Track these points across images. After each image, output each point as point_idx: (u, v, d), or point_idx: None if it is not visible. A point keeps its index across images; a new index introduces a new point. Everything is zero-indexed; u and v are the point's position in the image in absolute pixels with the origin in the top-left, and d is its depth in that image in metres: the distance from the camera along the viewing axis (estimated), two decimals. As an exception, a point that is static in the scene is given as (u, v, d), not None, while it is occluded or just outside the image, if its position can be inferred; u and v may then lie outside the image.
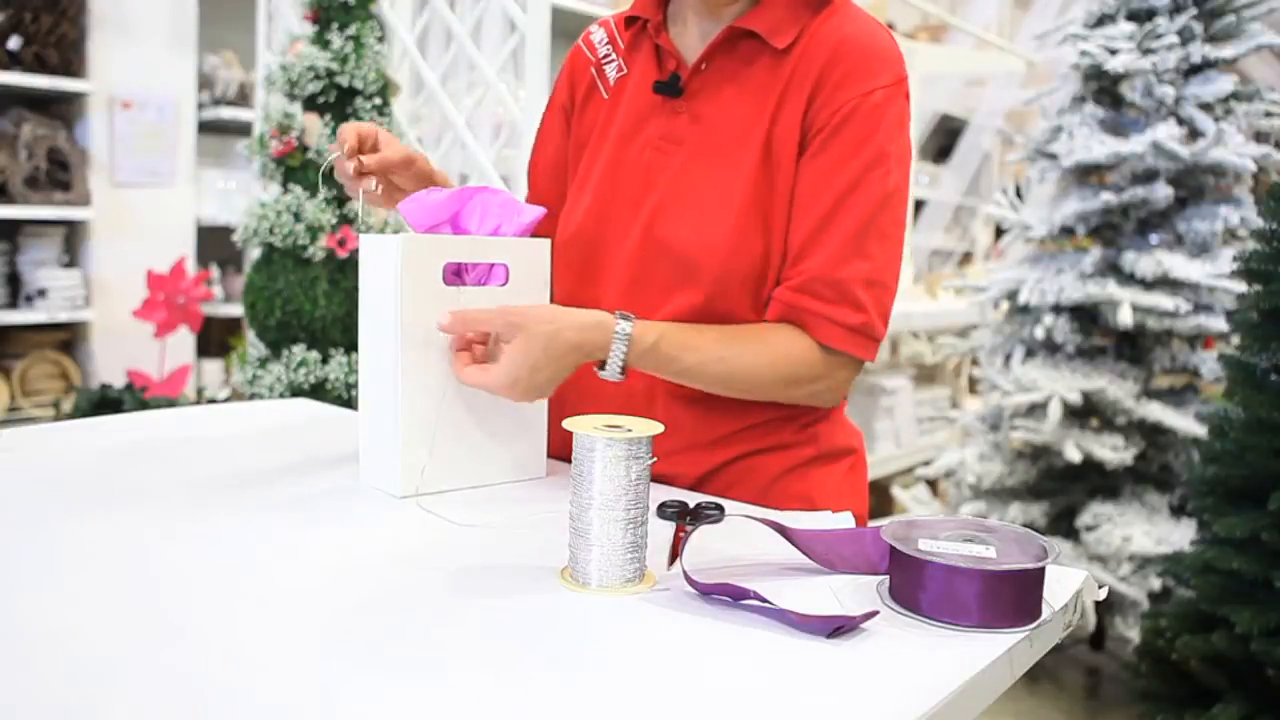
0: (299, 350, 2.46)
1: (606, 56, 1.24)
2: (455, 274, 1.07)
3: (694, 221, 1.12)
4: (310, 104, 2.52)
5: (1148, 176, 2.75)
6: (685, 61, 1.17)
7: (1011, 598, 0.80)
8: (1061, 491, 2.88)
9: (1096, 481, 2.83)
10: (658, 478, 1.15)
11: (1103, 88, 2.87)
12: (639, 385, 1.13)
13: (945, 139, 6.30)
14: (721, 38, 1.13)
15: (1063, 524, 2.84)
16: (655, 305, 1.13)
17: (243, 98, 4.12)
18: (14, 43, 3.40)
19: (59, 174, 3.58)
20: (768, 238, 1.11)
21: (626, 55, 1.22)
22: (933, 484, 3.71)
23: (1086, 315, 2.83)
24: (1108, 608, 2.72)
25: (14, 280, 3.66)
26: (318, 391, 2.44)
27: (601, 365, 1.04)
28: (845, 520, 1.10)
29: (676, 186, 1.14)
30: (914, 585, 0.81)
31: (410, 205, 1.06)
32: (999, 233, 5.08)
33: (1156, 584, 2.59)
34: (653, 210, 1.14)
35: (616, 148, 1.18)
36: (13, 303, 3.64)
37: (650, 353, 1.04)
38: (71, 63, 3.57)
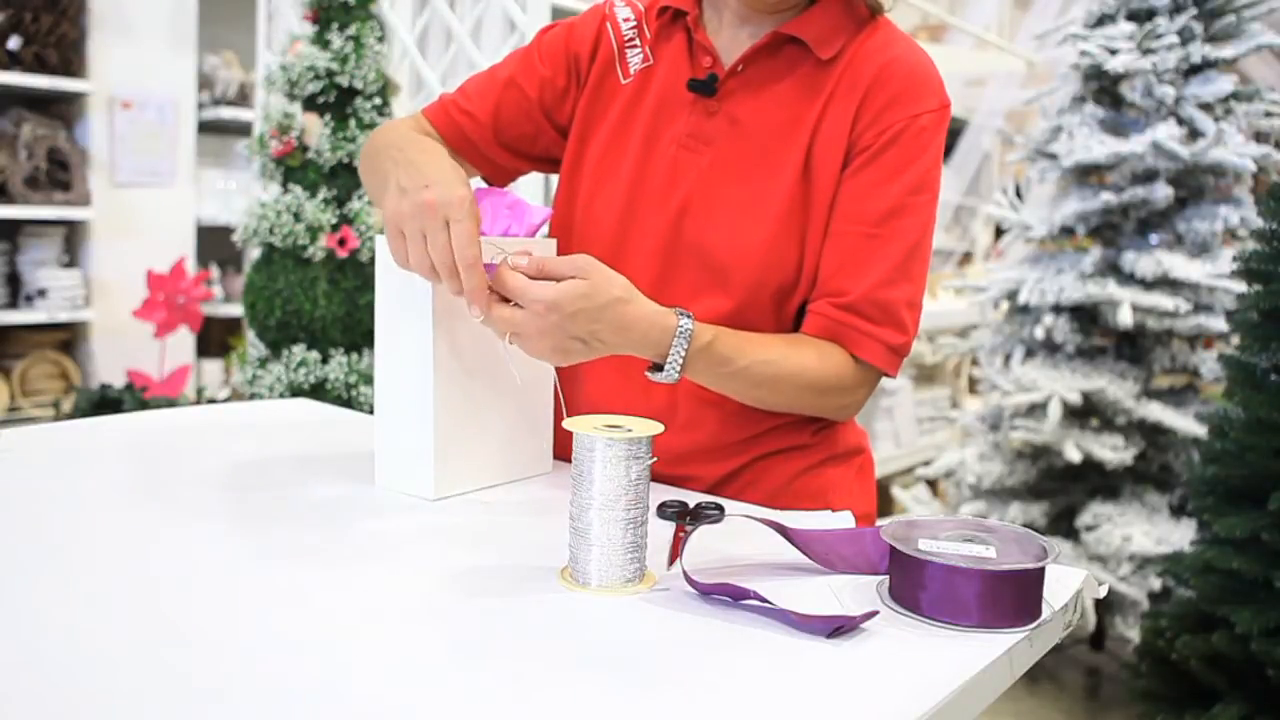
0: (299, 350, 2.46)
1: (630, 41, 1.20)
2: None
3: (727, 226, 1.11)
4: (310, 104, 2.52)
5: (1148, 176, 2.75)
6: (721, 60, 1.15)
7: (1011, 597, 0.80)
8: (1061, 491, 2.88)
9: (1096, 481, 2.83)
10: (675, 480, 1.15)
11: (1103, 88, 2.87)
12: (660, 388, 1.12)
13: (946, 138, 6.28)
14: (765, 42, 1.12)
15: (1063, 524, 2.84)
16: (681, 306, 1.12)
17: (242, 98, 4.12)
18: (14, 43, 3.40)
19: (59, 174, 3.58)
20: (802, 249, 1.12)
21: (654, 45, 1.19)
22: (933, 484, 3.71)
23: (1086, 315, 2.83)
24: (1107, 607, 2.72)
25: (14, 280, 3.66)
26: (318, 391, 2.44)
27: (655, 368, 1.00)
28: (845, 520, 1.10)
29: (706, 187, 1.13)
30: (914, 585, 0.81)
31: None
32: (999, 233, 5.08)
33: (1156, 584, 2.59)
34: (678, 209, 1.13)
35: (643, 144, 1.16)
36: (13, 303, 3.64)
37: (704, 352, 1.01)
38: (71, 63, 3.57)
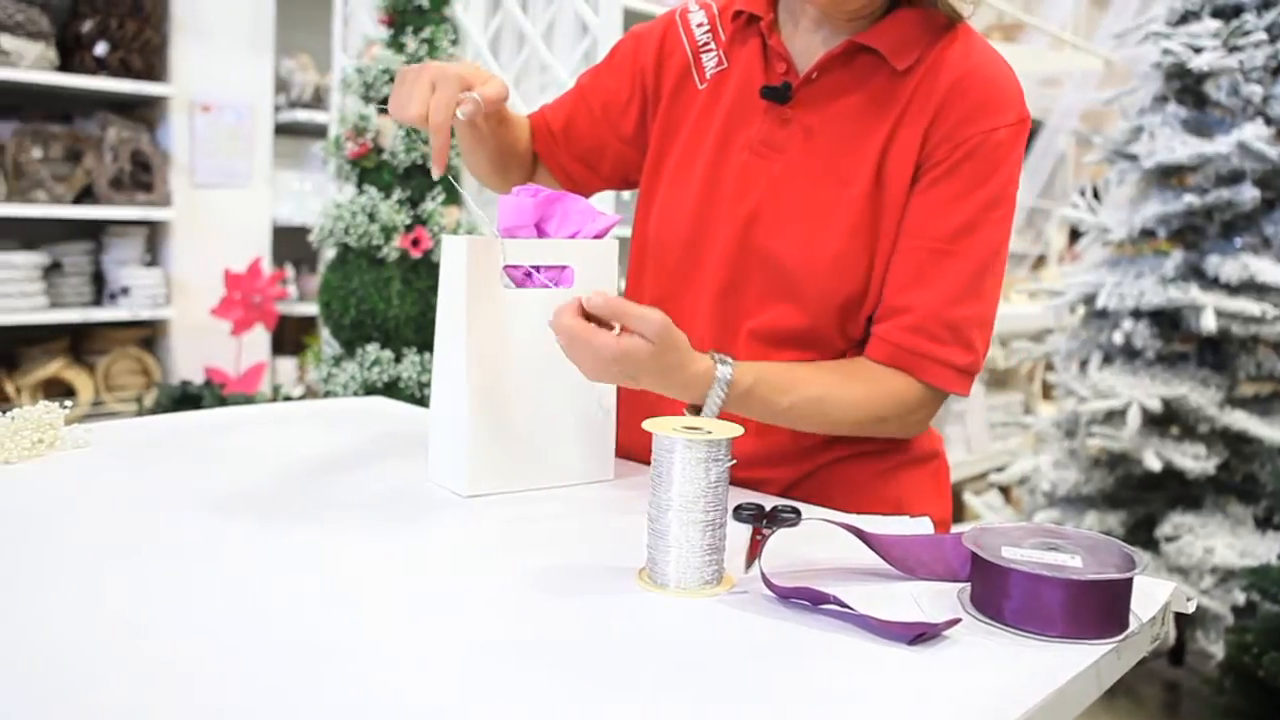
0: (373, 349, 2.50)
1: (705, 45, 1.20)
2: (526, 276, 1.07)
3: (798, 235, 1.10)
4: (385, 106, 2.55)
5: (1233, 178, 2.67)
6: (795, 66, 1.14)
7: (1098, 608, 0.78)
8: (1140, 501, 2.81)
9: (1177, 491, 2.76)
10: (750, 484, 1.15)
11: (1186, 87, 2.79)
12: None
13: (1023, 152, 6.17)
14: (840, 50, 1.10)
15: (1141, 534, 2.77)
16: (749, 313, 1.12)
17: (317, 100, 4.20)
18: (101, 49, 3.50)
19: (142, 175, 3.67)
20: (871, 262, 1.10)
21: (728, 49, 1.19)
22: (1005, 490, 3.64)
23: (1167, 320, 2.76)
24: (1188, 621, 2.65)
25: (99, 279, 3.76)
26: (391, 390, 2.48)
27: (694, 408, 1.01)
28: (923, 525, 1.08)
29: (777, 195, 1.12)
30: (997, 593, 0.79)
31: (505, 201, 1.07)
32: (1074, 235, 4.98)
33: (1240, 598, 2.52)
34: (748, 216, 1.12)
35: (716, 149, 1.16)
36: (97, 300, 3.74)
37: (745, 397, 1.01)
38: (154, 67, 3.67)
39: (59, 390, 3.56)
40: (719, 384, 0.99)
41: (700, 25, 1.21)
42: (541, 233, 1.09)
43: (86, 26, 3.51)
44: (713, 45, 1.19)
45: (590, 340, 0.92)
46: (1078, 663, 0.74)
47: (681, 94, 1.20)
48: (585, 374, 0.97)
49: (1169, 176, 2.78)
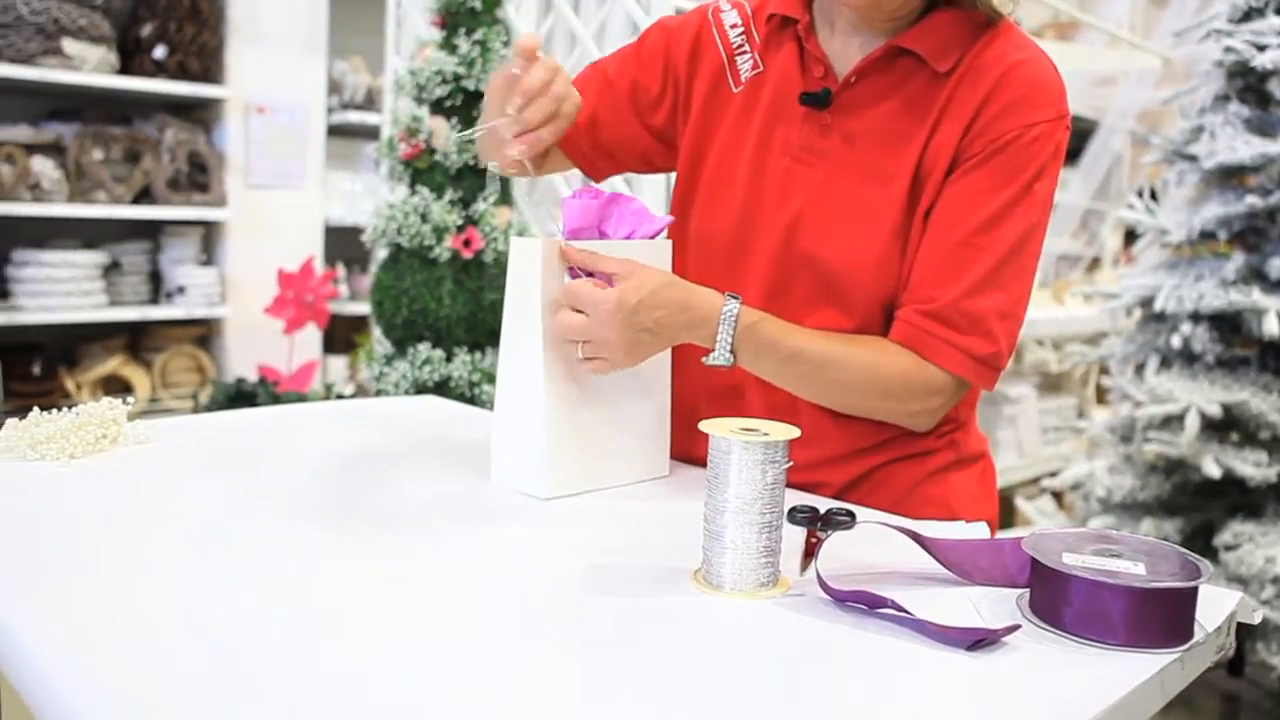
0: (424, 348, 2.52)
1: (740, 48, 1.19)
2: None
3: (840, 240, 1.10)
4: (438, 107, 2.57)
5: (1298, 179, 2.61)
6: (833, 70, 1.13)
7: (1162, 617, 0.77)
8: (1198, 508, 2.76)
9: (1237, 498, 2.70)
10: (802, 486, 1.14)
11: (1249, 85, 2.74)
12: (782, 398, 1.12)
13: (1074, 141, 6.08)
14: (880, 53, 1.10)
15: (1198, 542, 2.72)
16: (795, 318, 1.11)
17: (369, 102, 4.24)
18: (160, 52, 3.57)
19: (198, 176, 3.74)
20: (905, 259, 1.10)
21: (763, 51, 1.18)
22: (1058, 496, 3.59)
23: (1227, 324, 2.70)
24: (1248, 632, 2.59)
25: (155, 278, 3.84)
26: (441, 389, 2.50)
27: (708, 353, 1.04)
28: (979, 530, 1.07)
29: (819, 200, 1.11)
30: (1058, 600, 0.78)
31: (569, 203, 1.08)
32: (1129, 237, 4.90)
33: (1302, 609, 2.46)
34: (791, 222, 1.12)
35: (755, 155, 1.15)
36: (154, 299, 3.81)
37: (751, 331, 1.03)
38: (211, 70, 3.73)
39: (117, 387, 3.64)
40: (727, 316, 1.02)
41: (734, 27, 1.20)
42: (601, 234, 1.10)
43: (146, 30, 3.57)
44: (747, 48, 1.19)
45: (591, 294, 0.99)
46: (1141, 672, 0.72)
47: (716, 96, 1.20)
48: (620, 356, 1.01)
49: (1230, 177, 2.73)
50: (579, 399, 1.07)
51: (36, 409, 1.17)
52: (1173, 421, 2.67)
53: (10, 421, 1.15)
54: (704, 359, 1.04)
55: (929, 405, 1.10)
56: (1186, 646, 0.77)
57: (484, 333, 2.55)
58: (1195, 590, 0.78)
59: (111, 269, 3.67)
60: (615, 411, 1.10)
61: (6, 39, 3.24)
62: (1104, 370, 3.55)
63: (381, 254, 2.68)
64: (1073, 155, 6.17)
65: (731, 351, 1.03)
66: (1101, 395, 4.48)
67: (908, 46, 1.08)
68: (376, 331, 2.74)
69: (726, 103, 1.19)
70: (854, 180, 1.10)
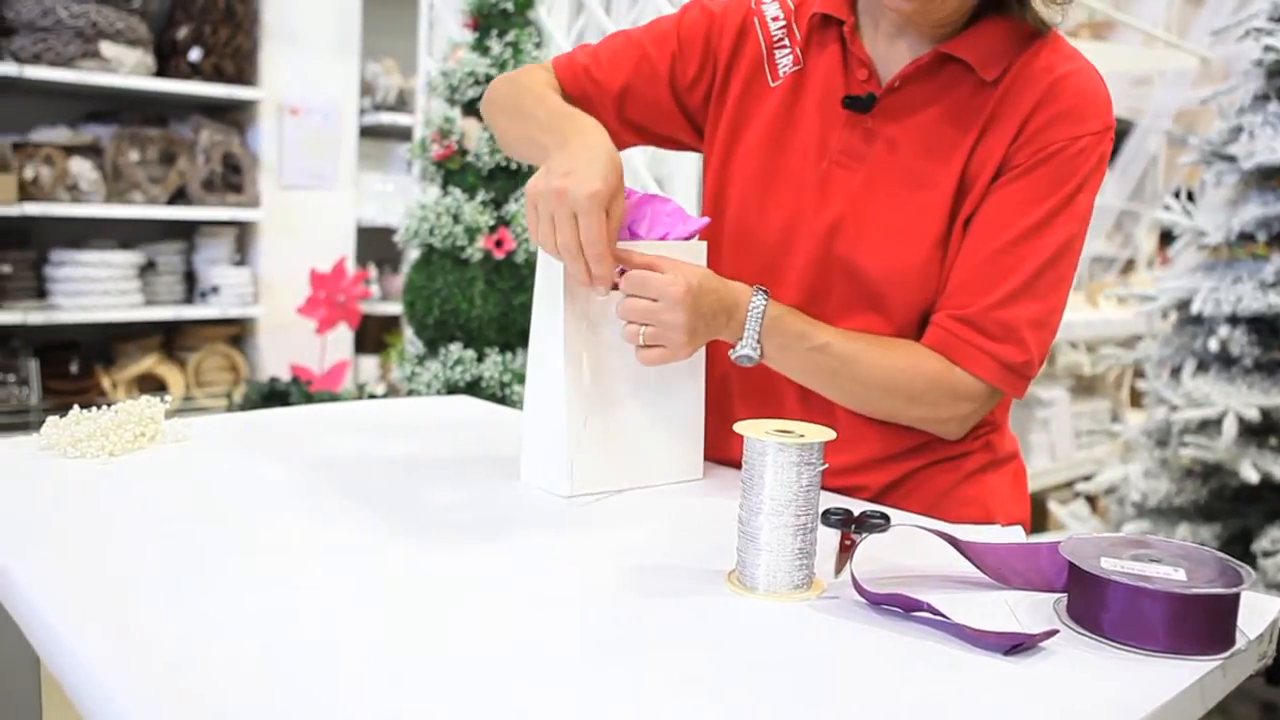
0: (455, 349, 2.53)
1: (779, 41, 1.18)
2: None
3: (879, 246, 1.09)
4: (470, 109, 2.58)
5: (1338, 180, 2.57)
6: (878, 73, 1.12)
7: (1203, 623, 0.76)
8: (1235, 513, 2.72)
9: (1275, 504, 2.66)
10: (841, 490, 1.14)
11: (1289, 85, 2.70)
12: (818, 401, 1.12)
13: (1106, 163, 6.01)
14: (927, 59, 1.09)
15: (1236, 548, 2.68)
16: (833, 323, 1.10)
17: (401, 103, 4.27)
18: (195, 54, 3.61)
19: (232, 177, 3.78)
20: (945, 267, 1.09)
21: (804, 48, 1.16)
22: (1092, 500, 3.56)
23: (1266, 327, 2.67)
24: (1285, 639, 2.56)
25: (190, 278, 3.88)
26: (473, 389, 2.51)
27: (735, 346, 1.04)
28: (1015, 535, 1.06)
29: (859, 206, 1.11)
30: (1096, 605, 0.77)
31: None
32: (1165, 239, 4.84)
33: (1341, 616, 2.42)
34: (830, 226, 1.11)
35: (796, 155, 1.14)
36: (189, 298, 3.86)
37: (777, 323, 1.04)
38: (245, 72, 3.77)
39: (152, 385, 3.68)
40: (754, 309, 1.03)
41: (775, 20, 1.18)
42: (632, 235, 1.09)
43: (182, 33, 3.62)
44: (787, 43, 1.17)
45: (659, 279, 0.99)
46: (1181, 679, 0.72)
47: (753, 88, 1.18)
48: (681, 341, 1.01)
49: (1269, 178, 2.69)
50: (606, 399, 1.07)
51: (76, 407, 1.18)
52: (1209, 425, 2.64)
53: (51, 419, 1.16)
54: (730, 352, 1.04)
55: (958, 412, 1.09)
56: (1229, 654, 0.76)
57: (515, 333, 2.56)
58: (1237, 597, 0.77)
59: (147, 269, 3.71)
60: (646, 413, 1.10)
61: (46, 43, 3.29)
62: (1138, 373, 3.51)
63: (413, 254, 2.69)
64: (1108, 157, 6.10)
65: (758, 343, 1.03)
66: (1135, 399, 4.43)
67: (956, 54, 1.07)
68: (408, 332, 2.76)
69: (762, 96, 1.18)
70: (895, 186, 1.10)
